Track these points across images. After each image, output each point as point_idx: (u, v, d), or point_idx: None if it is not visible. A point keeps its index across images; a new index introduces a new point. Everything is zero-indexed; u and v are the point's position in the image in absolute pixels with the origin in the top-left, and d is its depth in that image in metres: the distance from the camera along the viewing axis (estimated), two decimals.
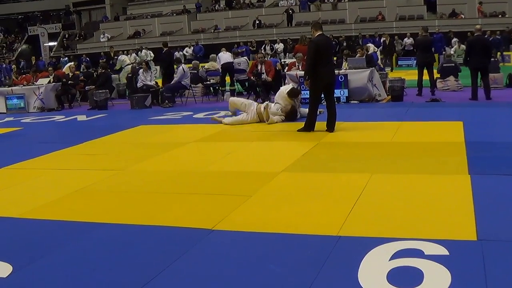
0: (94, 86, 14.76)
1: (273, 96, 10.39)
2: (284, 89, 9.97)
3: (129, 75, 16.76)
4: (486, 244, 3.61)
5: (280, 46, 27.13)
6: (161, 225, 4.40)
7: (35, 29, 38.99)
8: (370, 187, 5.16)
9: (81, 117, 12.67)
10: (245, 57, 16.76)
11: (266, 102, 10.09)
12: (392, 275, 3.21)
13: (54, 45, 38.19)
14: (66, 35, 40.04)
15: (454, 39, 24.44)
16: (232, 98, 11.06)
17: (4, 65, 28.37)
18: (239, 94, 14.95)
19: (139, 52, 26.10)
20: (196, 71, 15.31)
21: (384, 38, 23.54)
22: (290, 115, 9.74)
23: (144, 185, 5.88)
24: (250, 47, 27.43)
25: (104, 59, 25.88)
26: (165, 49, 16.38)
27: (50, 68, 17.41)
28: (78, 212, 4.94)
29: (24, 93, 14.83)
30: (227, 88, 15.29)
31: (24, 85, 15.52)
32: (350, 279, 3.20)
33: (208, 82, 15.24)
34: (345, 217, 4.31)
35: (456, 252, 3.49)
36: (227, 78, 15.46)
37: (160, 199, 5.27)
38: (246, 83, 14.82)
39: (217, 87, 15.38)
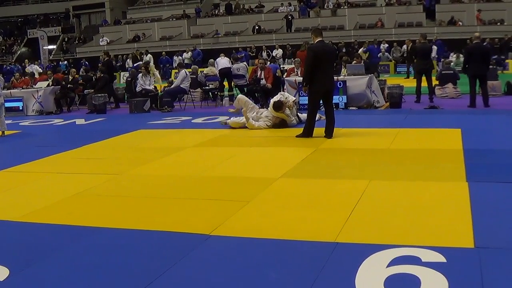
0: (93, 90, 14.77)
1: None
2: (272, 101, 9.96)
3: (128, 79, 16.77)
4: (483, 251, 3.62)
5: (279, 52, 27.18)
6: (158, 230, 4.39)
7: (35, 32, 39.01)
8: (368, 194, 5.16)
9: (80, 121, 12.68)
10: (244, 63, 16.80)
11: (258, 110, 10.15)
12: (389, 282, 3.21)
13: (54, 48, 38.22)
14: (66, 39, 40.08)
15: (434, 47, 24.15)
16: (241, 96, 10.97)
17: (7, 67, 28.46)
18: None
19: (144, 56, 26.15)
20: (195, 76, 15.34)
21: (406, 44, 22.06)
22: (278, 126, 9.74)
23: (142, 190, 5.88)
24: (250, 53, 27.49)
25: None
26: (106, 58, 16.62)
27: (49, 72, 17.44)
28: (75, 216, 4.94)
29: (23, 96, 14.84)
30: (226, 93, 15.31)
31: (23, 88, 15.54)
32: (348, 286, 3.20)
33: (207, 87, 15.26)
34: (342, 223, 4.31)
35: (453, 259, 3.49)
36: (225, 83, 15.50)
37: (158, 204, 5.26)
38: (245, 89, 14.85)
39: (216, 92, 15.41)
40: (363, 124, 9.91)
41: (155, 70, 16.20)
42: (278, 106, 9.68)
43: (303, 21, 31.94)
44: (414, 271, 3.33)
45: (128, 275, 3.54)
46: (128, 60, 27.56)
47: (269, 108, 9.97)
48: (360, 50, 21.28)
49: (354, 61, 14.14)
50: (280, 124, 9.73)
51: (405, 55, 24.61)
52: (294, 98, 10.41)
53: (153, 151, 8.10)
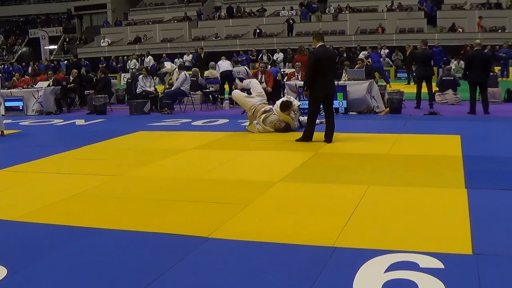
0: (93, 91, 14.77)
1: (271, 105, 10.34)
2: (278, 103, 9.91)
3: (128, 80, 16.78)
4: (482, 258, 3.62)
5: (280, 56, 27.20)
6: (157, 232, 4.39)
7: (36, 32, 39.08)
8: (367, 199, 5.16)
9: (80, 121, 12.68)
10: (245, 66, 16.81)
11: (270, 107, 10.00)
12: (387, 287, 3.21)
13: (55, 48, 38.25)
14: (67, 39, 40.11)
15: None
16: (236, 94, 10.79)
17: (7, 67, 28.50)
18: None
19: (145, 58, 26.22)
20: (195, 79, 15.35)
21: (406, 50, 21.43)
22: (283, 131, 9.63)
23: (141, 191, 5.88)
24: (250, 56, 27.50)
25: (104, 64, 25.95)
26: (74, 59, 16.87)
27: (49, 72, 17.45)
28: (74, 217, 4.94)
29: (23, 96, 14.84)
30: (226, 96, 15.32)
31: (23, 88, 15.55)
32: None
33: (207, 90, 15.27)
34: (341, 228, 4.31)
35: (451, 266, 3.49)
36: (226, 86, 15.51)
37: (157, 205, 5.26)
38: (245, 92, 14.82)
39: (216, 95, 15.42)
40: (363, 129, 9.91)
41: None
42: (286, 105, 9.62)
43: (304, 26, 31.99)
44: (412, 277, 3.32)
45: (126, 277, 3.54)
46: (129, 61, 27.60)
47: (274, 108, 9.87)
48: (361, 54, 21.23)
49: (357, 66, 14.14)
50: (285, 129, 9.65)
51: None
52: (299, 103, 10.35)
53: (153, 153, 8.10)
